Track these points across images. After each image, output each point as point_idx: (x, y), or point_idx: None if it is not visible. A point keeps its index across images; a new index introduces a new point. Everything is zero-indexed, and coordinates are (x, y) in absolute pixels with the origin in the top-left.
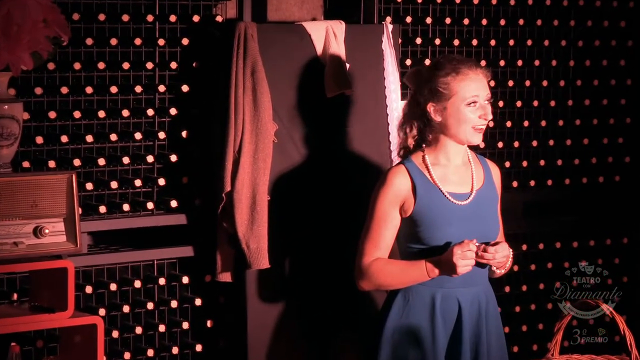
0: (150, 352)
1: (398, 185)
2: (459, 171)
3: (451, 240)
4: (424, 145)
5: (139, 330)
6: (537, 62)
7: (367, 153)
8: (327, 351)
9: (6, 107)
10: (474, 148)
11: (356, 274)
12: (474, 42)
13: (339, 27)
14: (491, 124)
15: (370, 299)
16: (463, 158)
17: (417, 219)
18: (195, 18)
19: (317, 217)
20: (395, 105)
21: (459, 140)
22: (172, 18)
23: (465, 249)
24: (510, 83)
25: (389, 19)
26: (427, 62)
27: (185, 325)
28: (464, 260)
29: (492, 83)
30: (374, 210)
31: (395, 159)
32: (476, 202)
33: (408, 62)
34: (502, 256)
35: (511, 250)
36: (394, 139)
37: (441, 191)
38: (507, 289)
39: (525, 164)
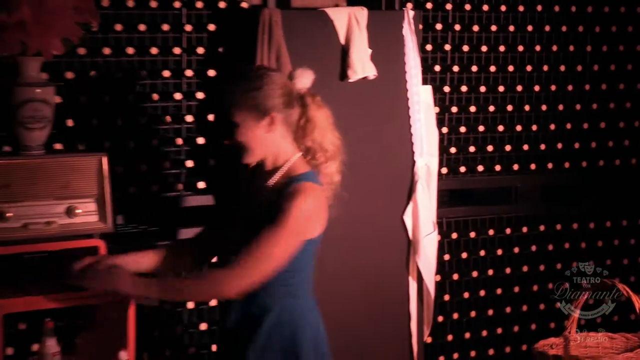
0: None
1: None
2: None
3: None
4: None
5: (168, 306)
6: (554, 48)
7: (387, 138)
8: None
9: (39, 90)
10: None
11: None
12: (493, 27)
13: (361, 14)
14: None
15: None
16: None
17: None
18: (221, 4)
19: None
20: (416, 90)
21: None
22: (199, 4)
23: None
24: (531, 63)
25: (409, 5)
26: (447, 47)
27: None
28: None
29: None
30: None
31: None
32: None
33: (428, 47)
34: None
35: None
36: (416, 123)
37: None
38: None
39: (543, 147)
